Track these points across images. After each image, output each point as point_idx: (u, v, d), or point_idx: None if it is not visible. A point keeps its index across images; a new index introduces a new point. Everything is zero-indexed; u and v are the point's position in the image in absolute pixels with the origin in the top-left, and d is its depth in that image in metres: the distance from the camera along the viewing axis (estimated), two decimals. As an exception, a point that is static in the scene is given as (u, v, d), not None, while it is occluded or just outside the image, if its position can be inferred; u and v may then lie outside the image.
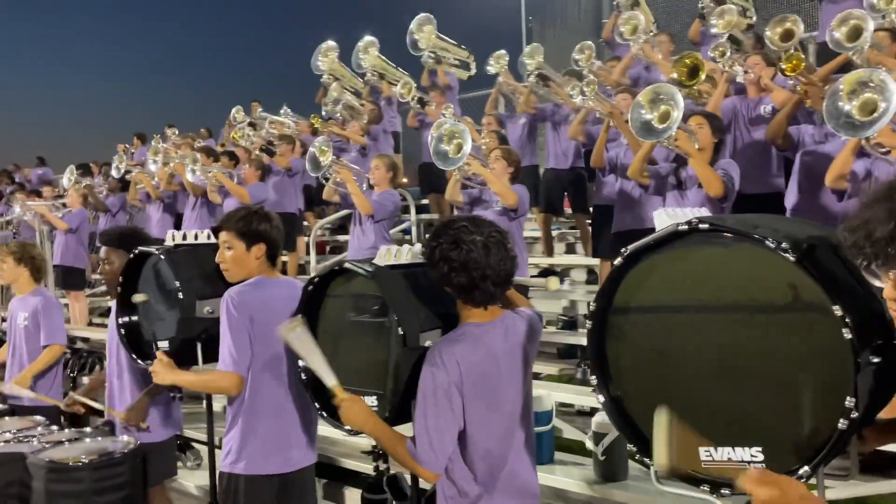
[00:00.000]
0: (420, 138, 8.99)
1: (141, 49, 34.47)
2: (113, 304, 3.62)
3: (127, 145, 12.99)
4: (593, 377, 1.91)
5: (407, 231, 8.22)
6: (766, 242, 1.61)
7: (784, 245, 1.58)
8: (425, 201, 8.84)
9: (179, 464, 4.29)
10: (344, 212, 7.62)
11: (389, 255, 2.51)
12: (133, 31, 34.90)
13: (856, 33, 4.31)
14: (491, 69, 7.76)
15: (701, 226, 1.72)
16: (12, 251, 4.41)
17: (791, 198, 4.23)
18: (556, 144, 6.74)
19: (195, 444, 4.73)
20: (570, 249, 6.86)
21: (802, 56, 4.37)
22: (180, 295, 2.87)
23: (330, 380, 2.22)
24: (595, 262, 6.25)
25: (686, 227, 1.74)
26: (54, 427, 3.53)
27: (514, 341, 2.22)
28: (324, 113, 9.01)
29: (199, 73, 34.94)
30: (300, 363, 2.62)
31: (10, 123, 31.36)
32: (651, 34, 6.98)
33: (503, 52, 7.85)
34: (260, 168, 7.39)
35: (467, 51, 9.33)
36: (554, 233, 7.08)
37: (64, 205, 8.60)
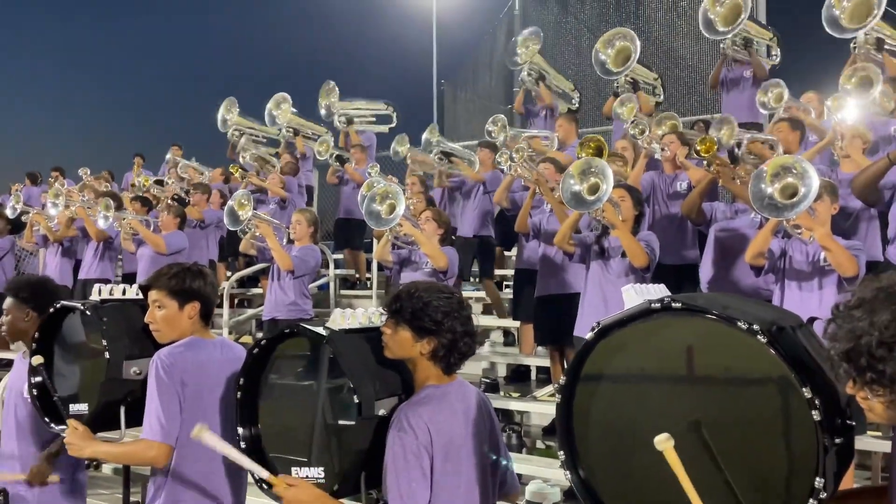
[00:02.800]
0: (337, 194, 8.97)
1: (30, 88, 32.76)
2: (18, 355, 3.32)
3: (18, 185, 12.17)
4: (561, 453, 1.89)
5: (324, 287, 8.06)
6: (738, 324, 1.66)
7: (755, 327, 1.64)
8: (339, 256, 8.74)
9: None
10: (260, 265, 7.40)
11: (343, 319, 2.42)
12: (24, 65, 33.18)
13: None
14: (399, 153, 7.91)
15: (674, 304, 1.76)
16: None
17: (706, 271, 4.46)
18: (463, 213, 6.85)
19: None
20: (487, 310, 6.92)
21: (715, 139, 4.68)
22: (107, 355, 2.65)
23: (261, 472, 2.11)
24: (513, 324, 6.34)
25: (659, 304, 1.78)
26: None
27: (472, 402, 2.21)
28: (241, 160, 8.86)
29: (93, 117, 33.48)
30: (240, 431, 2.46)
31: None
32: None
33: (403, 135, 8.06)
34: (178, 216, 7.08)
35: (385, 103, 9.45)
36: (469, 294, 7.14)
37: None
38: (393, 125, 9.54)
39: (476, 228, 6.69)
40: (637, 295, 1.91)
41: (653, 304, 1.78)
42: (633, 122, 5.90)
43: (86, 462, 3.08)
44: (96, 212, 7.51)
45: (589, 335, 1.86)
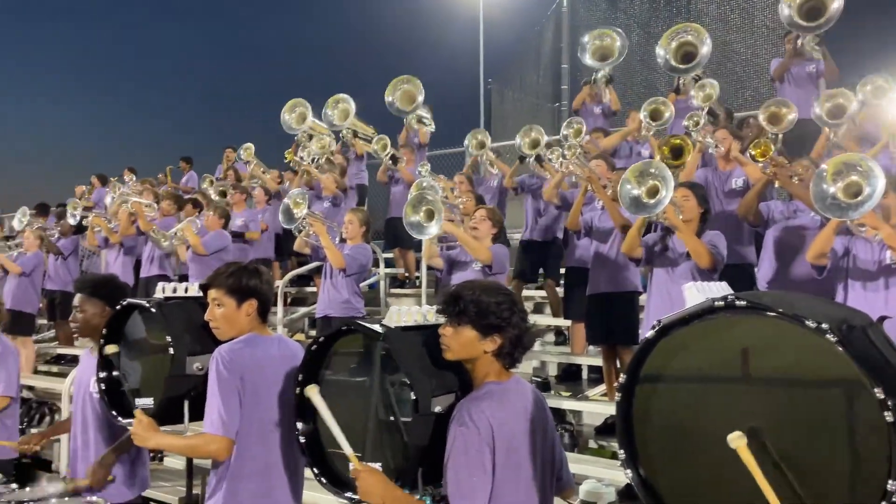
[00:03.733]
0: (387, 193, 9.03)
1: (103, 90, 33.97)
2: (84, 352, 3.45)
3: (85, 187, 12.63)
4: (621, 452, 1.87)
5: (373, 285, 8.13)
6: (807, 322, 1.61)
7: (824, 326, 1.59)
8: (389, 255, 8.80)
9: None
10: (313, 264, 7.51)
11: (399, 316, 2.44)
12: (95, 70, 34.42)
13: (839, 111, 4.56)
14: (470, 147, 7.86)
15: (738, 302, 1.72)
16: None
17: (765, 271, 4.35)
18: (534, 216, 6.75)
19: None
20: (538, 309, 6.88)
21: (770, 142, 4.57)
22: (171, 350, 2.72)
23: (347, 448, 2.13)
24: (565, 323, 6.29)
25: (722, 302, 1.74)
26: (14, 485, 3.26)
27: (529, 399, 2.22)
28: (303, 152, 9.01)
29: (162, 117, 34.54)
30: (299, 426, 2.51)
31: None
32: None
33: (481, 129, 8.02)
34: (223, 216, 7.26)
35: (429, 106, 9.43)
36: (525, 293, 7.10)
37: (18, 245, 8.23)
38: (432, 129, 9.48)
39: (544, 232, 6.62)
40: (699, 293, 1.87)
41: (716, 303, 1.75)
42: (687, 115, 5.78)
43: (150, 454, 3.18)
44: (152, 210, 7.79)
45: (649, 334, 1.83)
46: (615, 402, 1.88)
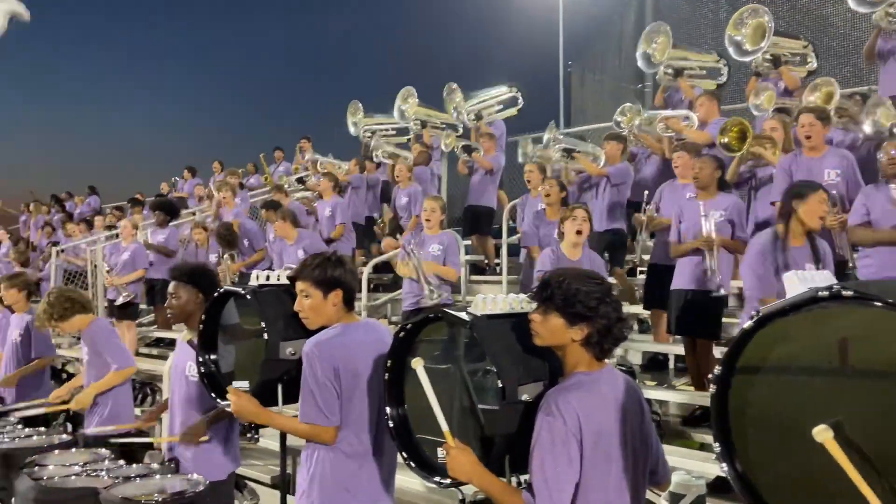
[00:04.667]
0: (465, 181, 9.06)
1: (192, 84, 35.47)
2: (179, 337, 3.63)
3: (176, 178, 13.24)
4: (716, 445, 1.82)
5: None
6: (920, 314, 1.52)
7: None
8: (468, 242, 8.84)
9: (236, 502, 4.21)
10: (395, 251, 7.62)
11: (485, 304, 2.45)
12: (184, 65, 35.93)
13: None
14: (527, 155, 7.80)
15: (844, 292, 1.64)
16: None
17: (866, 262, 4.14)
18: (592, 209, 6.64)
19: (250, 483, 4.65)
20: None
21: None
22: (265, 336, 2.83)
23: (444, 424, 2.18)
24: (644, 311, 6.17)
25: (826, 292, 1.66)
26: (121, 461, 3.48)
27: (620, 390, 2.18)
28: (375, 158, 9.25)
29: (249, 110, 35.76)
30: (388, 411, 2.56)
31: (64, 154, 32.30)
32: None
33: (526, 139, 7.96)
34: (294, 222, 7.46)
35: (508, 86, 9.38)
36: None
37: (116, 235, 8.74)
38: (520, 105, 9.45)
39: (605, 223, 6.54)
40: (800, 282, 1.80)
41: (820, 293, 1.67)
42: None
43: (249, 435, 3.32)
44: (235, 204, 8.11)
45: (747, 324, 1.77)
46: (710, 393, 1.83)
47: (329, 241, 8.14)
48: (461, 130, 9.53)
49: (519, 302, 2.51)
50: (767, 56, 6.70)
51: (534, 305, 2.24)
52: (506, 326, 2.37)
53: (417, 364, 2.30)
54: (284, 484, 3.05)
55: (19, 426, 4.24)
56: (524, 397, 2.25)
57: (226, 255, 7.69)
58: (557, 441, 2.00)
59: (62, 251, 10.05)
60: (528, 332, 2.24)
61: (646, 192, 5.62)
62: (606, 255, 6.62)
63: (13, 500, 3.23)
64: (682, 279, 4.87)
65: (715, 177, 4.84)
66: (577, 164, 6.96)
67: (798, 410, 1.70)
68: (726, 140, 5.35)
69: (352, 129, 9.84)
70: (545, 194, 5.94)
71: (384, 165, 9.67)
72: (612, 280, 6.65)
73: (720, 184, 4.91)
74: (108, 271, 8.25)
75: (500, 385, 2.22)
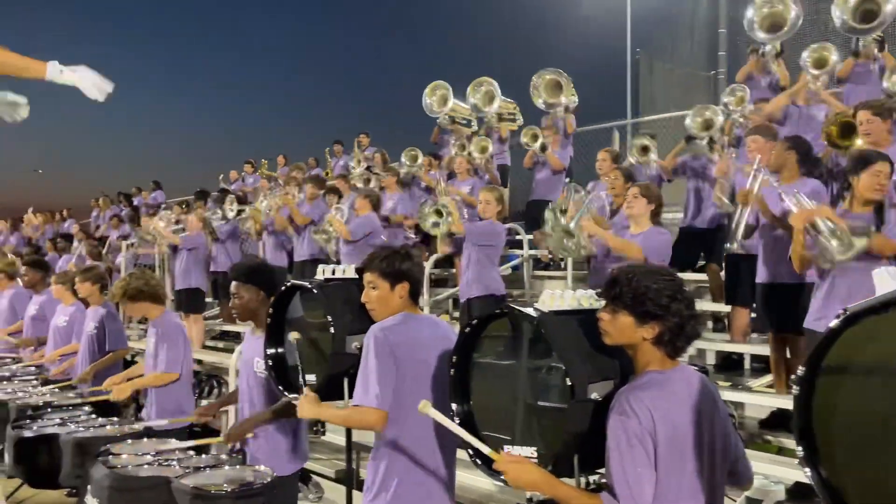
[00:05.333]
0: (530, 175, 9.02)
1: (252, 81, 36.39)
2: (247, 331, 3.74)
3: (237, 172, 13.62)
4: (799, 449, 1.77)
5: (517, 268, 8.17)
6: None
7: None
8: (531, 237, 8.80)
9: (301, 496, 4.33)
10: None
11: (552, 300, 2.45)
12: (245, 61, 36.89)
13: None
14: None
15: (943, 289, 1.58)
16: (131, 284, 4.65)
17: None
18: (697, 201, 6.38)
19: (315, 477, 4.77)
20: (695, 294, 6.59)
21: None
22: (332, 330, 2.90)
23: (483, 448, 2.23)
24: (723, 308, 6.01)
25: (922, 289, 1.60)
26: (191, 452, 3.63)
27: (695, 389, 2.14)
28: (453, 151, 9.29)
29: (309, 103, 36.48)
30: (454, 406, 2.59)
31: (129, 149, 33.68)
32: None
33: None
34: (374, 202, 7.58)
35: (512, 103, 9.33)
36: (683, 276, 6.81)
37: (183, 229, 9.03)
38: (519, 122, 9.38)
39: (709, 217, 6.28)
40: (891, 278, 1.73)
41: (914, 289, 1.61)
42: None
43: (315, 429, 3.41)
44: (298, 198, 8.28)
45: (834, 323, 1.72)
46: (793, 394, 1.79)
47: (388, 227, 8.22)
48: (522, 120, 9.48)
49: (588, 298, 2.50)
50: (877, 38, 6.38)
51: (603, 302, 2.22)
52: (573, 323, 2.37)
53: (426, 408, 2.35)
54: (350, 479, 3.12)
55: (92, 415, 4.45)
56: (594, 396, 2.24)
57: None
58: (634, 440, 1.98)
59: (131, 244, 10.47)
60: (596, 329, 2.23)
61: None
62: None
63: (89, 487, 3.40)
64: (767, 271, 4.72)
65: (791, 160, 4.67)
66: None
67: (890, 414, 1.64)
68: (832, 130, 5.15)
69: (427, 110, 9.70)
70: (610, 186, 5.86)
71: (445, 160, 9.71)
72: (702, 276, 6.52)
73: (803, 167, 4.71)
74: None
75: (569, 383, 2.22)
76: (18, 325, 7.02)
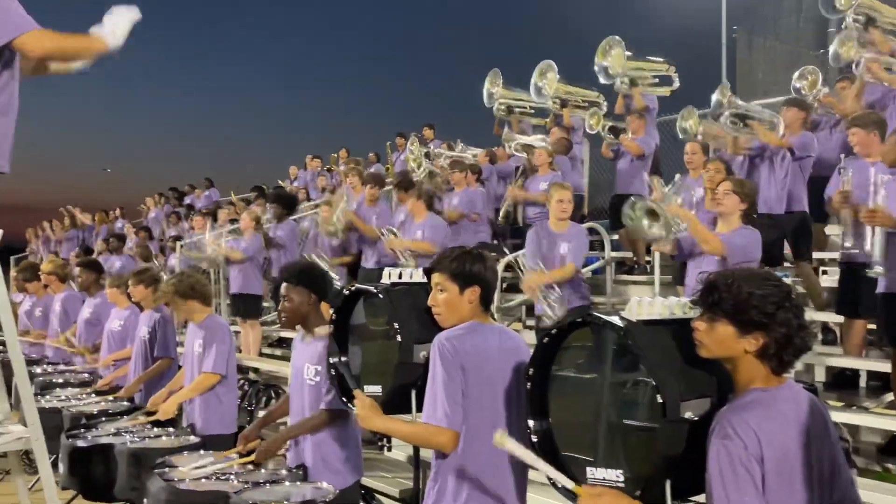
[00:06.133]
0: (612, 167, 8.92)
1: (311, 75, 37.23)
2: (296, 338, 3.83)
3: (299, 168, 13.97)
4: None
5: (597, 271, 8.08)
6: None
7: None
8: (614, 237, 8.69)
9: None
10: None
11: (640, 308, 2.42)
12: (303, 58, 37.76)
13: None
14: (688, 129, 7.50)
15: None
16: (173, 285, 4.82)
17: None
18: (768, 186, 6.27)
19: (378, 496, 4.84)
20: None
21: None
22: (398, 338, 2.95)
23: (565, 481, 2.24)
24: (832, 318, 5.82)
25: None
26: (250, 465, 3.74)
27: (804, 409, 2.09)
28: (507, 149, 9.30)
29: (370, 97, 37.16)
30: (530, 424, 2.60)
31: (183, 148, 34.95)
32: None
33: (690, 108, 7.61)
34: (428, 202, 7.60)
35: (665, 62, 9.16)
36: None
37: (237, 230, 9.30)
38: (675, 87, 9.23)
39: (785, 203, 6.21)
40: None
41: None
42: None
43: (380, 444, 3.47)
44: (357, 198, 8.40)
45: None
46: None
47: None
48: (606, 108, 9.39)
49: (680, 306, 2.46)
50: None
51: (698, 310, 2.19)
52: (665, 334, 2.34)
53: (503, 439, 2.38)
54: (416, 499, 3.16)
55: (147, 426, 4.64)
56: (687, 415, 2.21)
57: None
58: (739, 467, 1.94)
59: (183, 245, 10.85)
60: (690, 341, 2.20)
61: (839, 168, 5.26)
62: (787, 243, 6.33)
63: (145, 500, 3.55)
64: (889, 279, 4.53)
65: None
66: (748, 135, 6.61)
67: None
68: None
69: (486, 101, 9.83)
70: (707, 178, 5.75)
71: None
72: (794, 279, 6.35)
73: None
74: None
75: (660, 400, 2.19)
76: (72, 329, 7.36)
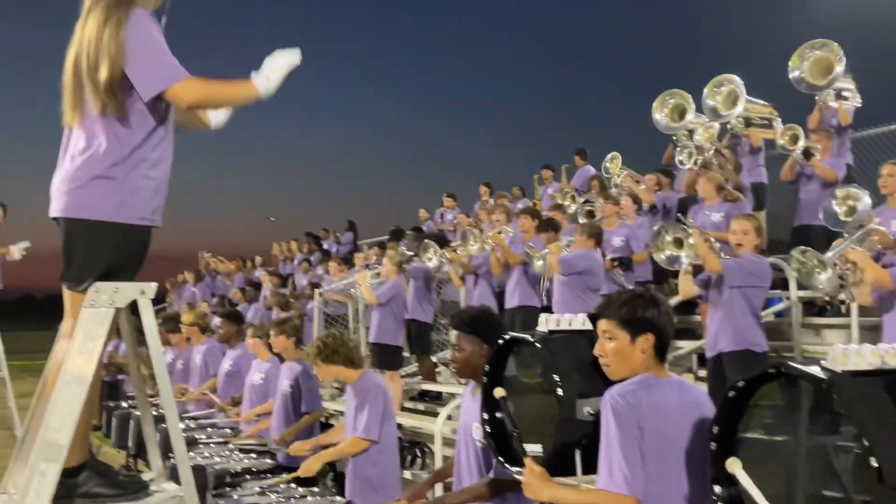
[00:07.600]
0: (794, 193, 8.55)
1: (447, 106, 38.27)
2: (465, 392, 3.86)
3: (427, 211, 14.29)
4: None
5: (781, 313, 7.70)
6: None
7: None
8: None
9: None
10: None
11: (846, 357, 2.28)
12: (433, 91, 38.91)
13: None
14: None
15: None
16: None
17: None
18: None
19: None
20: None
21: None
22: (560, 391, 2.92)
23: None
24: None
25: None
26: None
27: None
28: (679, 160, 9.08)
29: (513, 128, 37.66)
30: (717, 490, 2.50)
31: (316, 188, 36.63)
32: None
33: None
34: (592, 235, 7.56)
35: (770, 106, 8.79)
36: None
37: (378, 274, 9.55)
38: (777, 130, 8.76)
39: None
40: None
41: None
42: None
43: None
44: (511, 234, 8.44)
45: None
46: None
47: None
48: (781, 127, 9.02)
49: (894, 354, 2.31)
50: None
51: None
52: (878, 388, 2.21)
53: (735, 466, 2.37)
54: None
55: (292, 485, 4.82)
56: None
57: None
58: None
59: (322, 293, 11.27)
60: None
61: None
62: None
63: None
64: None
65: None
66: None
67: None
68: None
69: (660, 127, 9.45)
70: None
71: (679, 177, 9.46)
72: None
73: None
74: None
75: (875, 464, 2.05)
76: (212, 382, 7.79)
